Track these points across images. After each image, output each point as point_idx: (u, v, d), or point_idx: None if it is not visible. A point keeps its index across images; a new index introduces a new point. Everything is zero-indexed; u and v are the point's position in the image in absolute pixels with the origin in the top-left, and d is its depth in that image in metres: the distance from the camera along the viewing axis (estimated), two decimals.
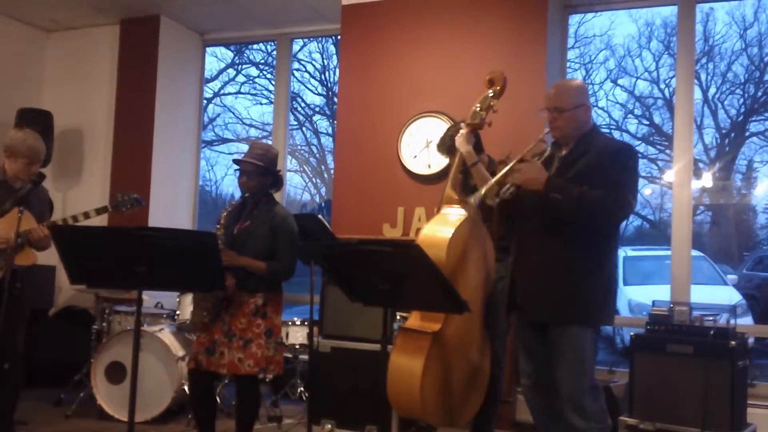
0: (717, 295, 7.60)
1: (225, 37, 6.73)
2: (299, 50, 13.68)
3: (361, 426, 4.11)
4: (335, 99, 6.34)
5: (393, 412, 3.48)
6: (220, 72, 13.65)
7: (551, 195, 2.84)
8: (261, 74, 13.96)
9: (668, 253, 4.93)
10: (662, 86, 13.15)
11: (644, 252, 10.45)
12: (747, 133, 12.91)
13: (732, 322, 4.09)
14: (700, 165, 12.08)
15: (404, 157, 5.09)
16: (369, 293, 2.85)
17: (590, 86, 13.70)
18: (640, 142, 13.61)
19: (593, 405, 2.91)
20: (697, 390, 3.79)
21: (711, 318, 4.08)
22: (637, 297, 8.41)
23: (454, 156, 3.57)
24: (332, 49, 13.48)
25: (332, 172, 6.19)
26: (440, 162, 4.67)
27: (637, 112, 13.73)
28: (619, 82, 13.61)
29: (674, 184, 4.91)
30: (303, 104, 14.37)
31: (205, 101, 7.18)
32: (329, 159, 13.94)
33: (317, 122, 14.79)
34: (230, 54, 13.51)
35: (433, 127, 4.94)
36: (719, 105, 13.05)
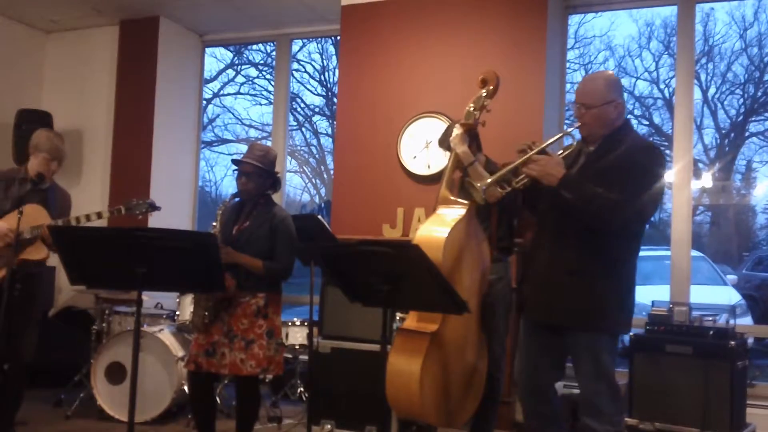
0: (716, 295, 7.60)
1: (224, 38, 6.73)
2: (299, 51, 13.70)
3: (360, 426, 4.11)
4: (335, 99, 6.34)
5: (392, 412, 3.48)
6: (220, 72, 13.67)
7: (562, 193, 2.74)
8: (260, 75, 13.98)
9: (668, 253, 4.93)
10: (662, 86, 13.16)
11: (644, 252, 10.40)
12: (747, 134, 12.92)
13: (731, 322, 4.09)
14: (700, 165, 12.08)
15: (404, 157, 5.10)
16: (369, 294, 2.84)
17: None
18: None
19: (610, 407, 2.82)
20: (696, 390, 3.79)
21: (710, 318, 4.08)
22: (637, 297, 8.38)
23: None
24: (332, 49, 13.50)
25: (332, 172, 6.19)
26: (440, 162, 4.67)
27: (637, 112, 13.74)
28: None
29: (674, 184, 4.91)
30: (302, 105, 14.39)
31: (204, 102, 7.18)
32: (329, 159, 13.95)
33: (317, 123, 14.81)
34: (230, 54, 13.53)
35: (433, 128, 4.94)
36: (719, 105, 13.06)
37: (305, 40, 12.68)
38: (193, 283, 3.00)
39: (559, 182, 2.74)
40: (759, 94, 12.90)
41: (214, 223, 3.57)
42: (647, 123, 13.72)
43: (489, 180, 2.95)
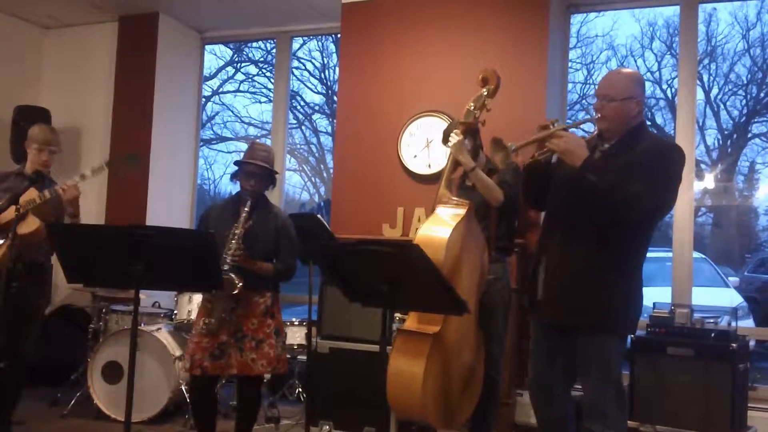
0: (718, 297, 7.58)
1: (224, 35, 6.71)
2: (299, 48, 13.65)
3: (359, 427, 4.08)
4: (335, 98, 6.31)
5: (391, 413, 3.45)
6: (219, 70, 13.62)
7: (586, 175, 2.64)
8: (260, 72, 13.93)
9: (669, 254, 4.90)
10: (664, 87, 13.12)
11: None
12: (749, 135, 12.88)
13: (733, 324, 4.07)
14: (702, 166, 12.04)
15: (404, 156, 5.07)
16: (368, 294, 2.82)
17: (592, 86, 13.68)
18: None
19: (616, 412, 2.78)
20: (697, 393, 3.78)
21: (712, 320, 4.07)
22: None
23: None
24: (332, 47, 13.45)
25: (331, 171, 6.16)
26: (440, 161, 4.65)
27: None
28: None
29: None
30: (302, 103, 14.34)
31: (203, 99, 7.15)
32: (329, 158, 13.91)
33: (317, 121, 14.76)
34: (229, 52, 13.48)
35: (434, 127, 4.92)
36: (721, 106, 13.03)
37: (305, 38, 12.62)
38: (191, 281, 2.98)
39: (584, 163, 2.65)
40: (762, 95, 12.86)
41: (236, 224, 3.49)
42: (650, 123, 13.65)
43: (519, 144, 2.79)
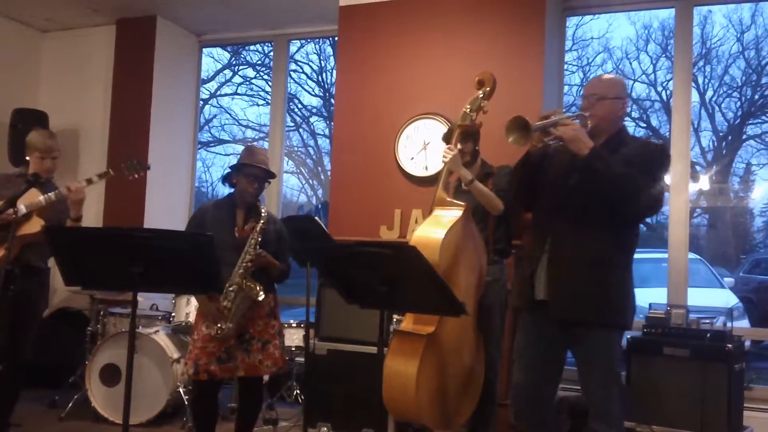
0: (714, 298, 7.61)
1: (221, 38, 6.72)
2: (296, 51, 13.67)
3: (357, 429, 4.09)
4: (332, 100, 6.33)
5: (389, 414, 3.47)
6: (217, 73, 13.63)
7: (594, 163, 2.67)
8: (258, 75, 13.94)
9: (665, 255, 4.92)
10: (660, 89, 13.17)
11: (641, 254, 10.41)
12: (744, 136, 12.92)
13: (729, 325, 4.09)
14: (698, 168, 12.08)
15: (401, 158, 5.08)
16: (366, 295, 2.83)
17: None
18: None
19: (619, 410, 2.80)
20: (693, 393, 3.79)
21: (708, 321, 4.08)
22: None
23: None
24: (329, 50, 13.47)
25: (329, 173, 6.17)
26: (437, 164, 4.66)
27: (635, 114, 13.74)
28: None
29: (671, 186, 4.90)
30: (300, 105, 14.35)
31: (201, 102, 7.16)
32: (326, 161, 13.92)
33: (314, 124, 14.77)
34: (227, 55, 13.50)
35: (431, 129, 4.94)
36: (716, 108, 13.07)
37: (303, 41, 12.65)
38: (190, 284, 2.98)
39: (591, 151, 2.68)
40: (756, 97, 12.91)
41: (256, 230, 3.50)
42: (645, 125, 13.72)
43: (537, 125, 2.78)
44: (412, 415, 3.19)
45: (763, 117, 12.86)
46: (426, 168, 4.99)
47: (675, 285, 4.75)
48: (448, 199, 3.47)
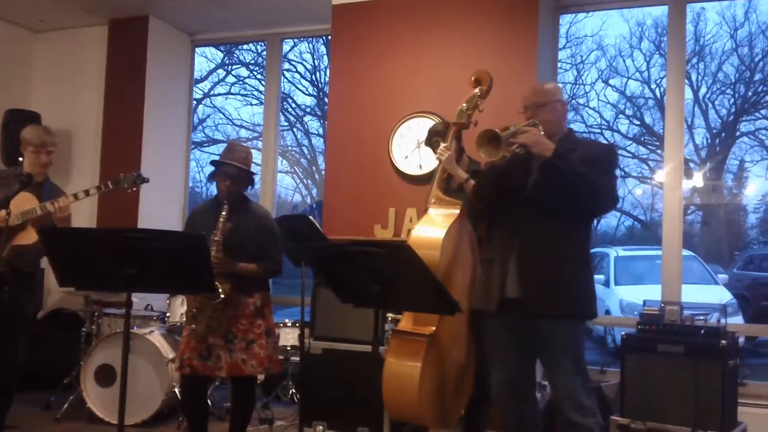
0: (708, 294, 7.63)
1: (214, 38, 6.70)
2: (289, 50, 13.66)
3: (352, 428, 4.09)
4: (326, 99, 6.32)
5: (385, 413, 3.46)
6: (210, 72, 13.62)
7: (558, 163, 2.78)
8: (251, 75, 13.93)
9: (659, 253, 4.93)
10: (653, 86, 13.21)
11: (635, 252, 10.48)
12: (737, 133, 12.97)
13: (722, 321, 4.10)
14: (691, 165, 12.12)
15: (395, 157, 5.08)
16: (360, 294, 2.83)
17: (581, 86, 13.73)
18: (631, 142, 13.66)
19: (588, 401, 2.90)
20: (688, 389, 3.79)
21: (702, 317, 4.09)
22: (629, 297, 8.43)
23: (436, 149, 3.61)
24: (323, 49, 13.47)
25: (323, 173, 6.17)
26: (431, 162, 4.66)
27: (629, 112, 13.78)
28: (611, 82, 13.67)
29: (665, 184, 4.92)
30: (294, 105, 14.34)
31: (194, 102, 7.15)
32: (320, 160, 13.92)
33: (308, 123, 14.77)
34: (220, 54, 13.48)
35: (424, 128, 4.92)
36: (710, 105, 13.12)
37: (296, 40, 12.65)
38: (184, 284, 2.97)
39: (555, 152, 2.80)
40: (749, 93, 12.96)
41: (215, 231, 3.48)
42: (638, 123, 13.76)
43: (506, 134, 2.89)
44: (412, 415, 3.18)
45: (757, 114, 12.91)
46: (420, 167, 4.99)
47: (669, 282, 4.77)
48: (444, 197, 3.47)
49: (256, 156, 6.85)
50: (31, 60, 6.59)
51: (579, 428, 2.87)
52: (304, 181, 15.38)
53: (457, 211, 3.36)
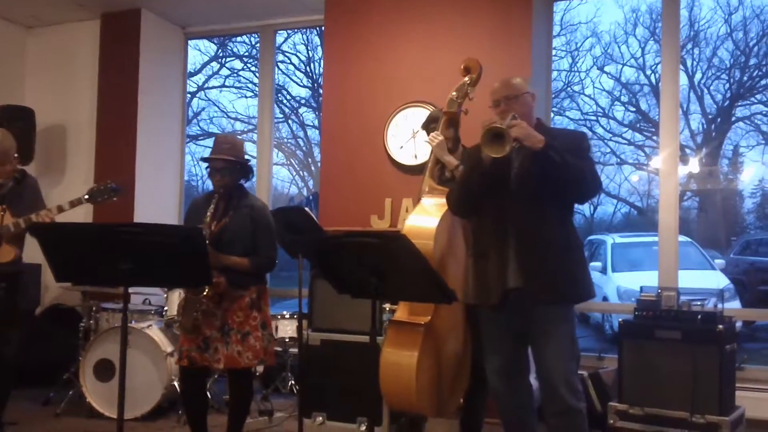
0: (705, 280, 7.66)
1: (207, 30, 6.67)
2: (283, 42, 13.60)
3: (352, 418, 4.10)
4: (321, 91, 6.30)
5: (384, 403, 3.47)
6: (204, 65, 13.57)
7: (550, 154, 2.79)
8: (245, 67, 13.88)
9: (656, 239, 4.94)
10: (648, 72, 13.21)
11: (632, 239, 10.49)
12: (733, 119, 12.97)
13: (719, 306, 4.11)
14: (687, 151, 12.14)
15: (391, 147, 5.08)
16: (357, 285, 2.83)
17: (576, 73, 13.73)
18: (626, 128, 13.67)
19: (579, 384, 2.96)
20: (685, 374, 3.81)
21: (699, 303, 4.10)
22: (626, 283, 8.46)
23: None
24: (317, 40, 13.41)
25: (319, 164, 6.16)
26: (427, 152, 4.65)
27: (624, 98, 13.78)
28: (606, 68, 13.67)
29: (661, 170, 4.92)
30: (288, 96, 14.31)
31: (188, 95, 7.12)
32: (316, 151, 13.89)
33: (303, 114, 14.73)
34: (213, 47, 13.43)
35: (419, 117, 4.91)
36: (705, 90, 13.12)
37: (290, 31, 12.59)
38: (180, 278, 2.97)
39: (546, 144, 2.80)
40: (745, 78, 12.95)
41: (205, 223, 3.49)
42: (634, 109, 13.76)
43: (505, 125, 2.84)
44: (410, 405, 3.18)
45: (752, 99, 12.91)
46: (415, 156, 4.98)
47: (666, 268, 4.78)
48: (436, 187, 3.46)
49: (252, 148, 6.84)
50: (24, 56, 6.56)
51: (575, 413, 2.88)
52: (300, 173, 15.37)
53: None
